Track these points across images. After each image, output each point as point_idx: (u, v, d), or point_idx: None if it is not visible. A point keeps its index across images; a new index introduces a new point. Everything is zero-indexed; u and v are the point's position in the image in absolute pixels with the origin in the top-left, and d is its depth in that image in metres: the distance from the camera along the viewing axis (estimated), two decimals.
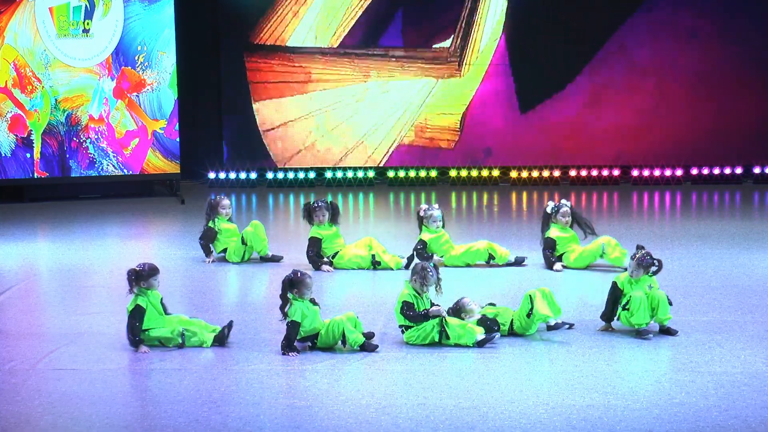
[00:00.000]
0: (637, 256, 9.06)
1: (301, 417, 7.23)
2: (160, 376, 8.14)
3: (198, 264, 12.13)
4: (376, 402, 7.48)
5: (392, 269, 11.62)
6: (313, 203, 11.73)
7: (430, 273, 8.88)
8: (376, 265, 11.67)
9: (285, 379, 8.05)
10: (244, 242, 12.02)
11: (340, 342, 8.62)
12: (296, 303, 8.58)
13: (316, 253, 11.62)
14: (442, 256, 11.83)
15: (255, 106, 18.30)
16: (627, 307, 8.88)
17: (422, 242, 11.77)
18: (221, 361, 8.45)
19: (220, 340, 8.77)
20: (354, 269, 11.68)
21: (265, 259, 12.10)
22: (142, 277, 8.77)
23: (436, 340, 8.77)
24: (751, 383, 7.78)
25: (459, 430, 6.99)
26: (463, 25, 18.14)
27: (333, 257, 11.69)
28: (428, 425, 7.06)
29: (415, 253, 11.69)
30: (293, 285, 8.63)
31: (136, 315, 8.69)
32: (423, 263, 9.03)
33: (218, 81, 18.25)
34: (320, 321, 8.69)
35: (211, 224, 12.12)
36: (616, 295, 9.08)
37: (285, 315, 8.58)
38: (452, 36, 18.19)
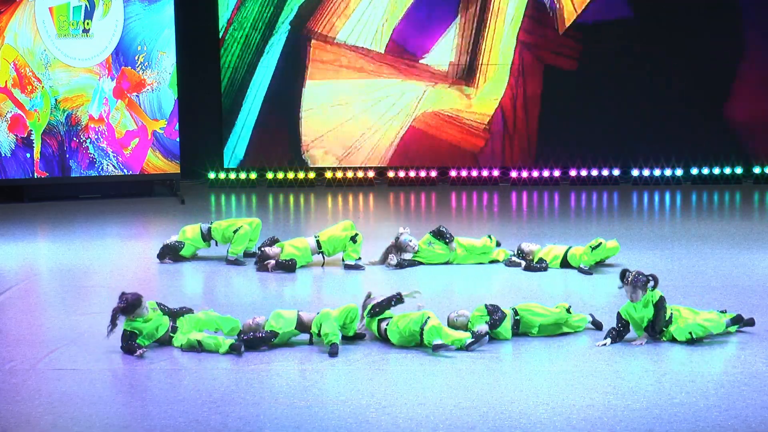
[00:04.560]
0: (630, 279, 8.68)
1: (301, 417, 7.23)
2: (160, 376, 8.15)
3: (197, 265, 12.12)
4: (376, 402, 7.48)
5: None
6: None
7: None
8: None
9: (285, 379, 8.06)
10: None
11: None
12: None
13: None
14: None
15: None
16: (671, 321, 8.69)
17: None
18: (221, 361, 8.45)
19: (236, 350, 8.69)
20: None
21: (247, 254, 12.16)
22: (126, 311, 8.74)
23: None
24: (751, 383, 7.78)
25: (459, 430, 7.00)
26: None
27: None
28: (428, 425, 7.06)
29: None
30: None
31: (131, 337, 8.73)
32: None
33: (218, 81, 18.22)
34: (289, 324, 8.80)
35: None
36: (622, 325, 8.80)
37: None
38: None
